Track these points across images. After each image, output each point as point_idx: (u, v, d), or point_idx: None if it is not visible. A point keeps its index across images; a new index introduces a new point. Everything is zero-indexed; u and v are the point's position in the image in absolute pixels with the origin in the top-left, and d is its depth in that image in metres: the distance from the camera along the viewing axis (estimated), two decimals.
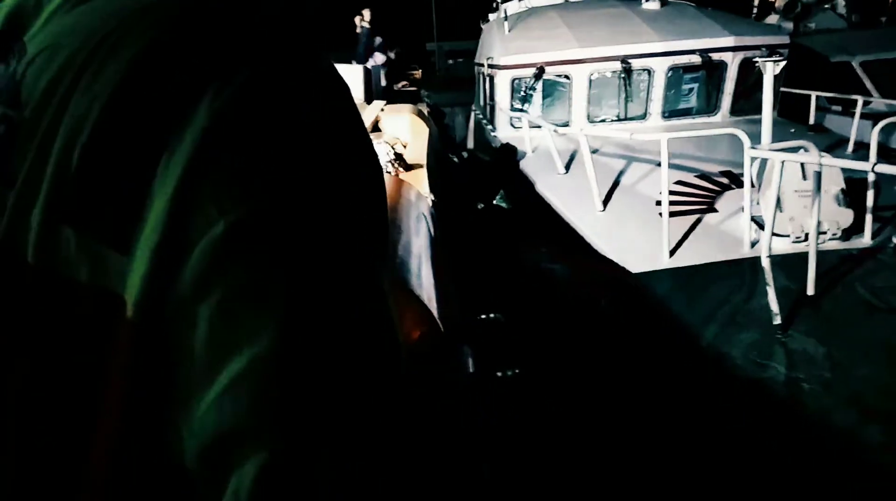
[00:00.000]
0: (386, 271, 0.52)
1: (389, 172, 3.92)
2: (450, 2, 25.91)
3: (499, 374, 4.16)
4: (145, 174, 0.45)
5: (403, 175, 3.99)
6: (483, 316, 4.91)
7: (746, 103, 7.64)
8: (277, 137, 0.46)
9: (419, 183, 3.93)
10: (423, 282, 2.62)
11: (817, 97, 8.68)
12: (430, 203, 3.70)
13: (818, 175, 3.99)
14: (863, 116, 7.29)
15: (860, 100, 7.46)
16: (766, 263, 3.86)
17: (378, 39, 10.15)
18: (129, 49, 0.49)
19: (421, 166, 4.34)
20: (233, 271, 0.43)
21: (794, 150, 4.32)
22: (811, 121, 8.51)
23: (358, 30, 9.39)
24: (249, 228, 0.43)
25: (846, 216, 4.54)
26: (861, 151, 5.99)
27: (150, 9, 0.52)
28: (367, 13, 9.37)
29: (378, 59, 9.91)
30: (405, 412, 0.45)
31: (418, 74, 10.69)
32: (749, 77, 7.65)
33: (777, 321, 3.84)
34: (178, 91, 0.46)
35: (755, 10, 12.87)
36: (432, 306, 2.39)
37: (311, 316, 0.43)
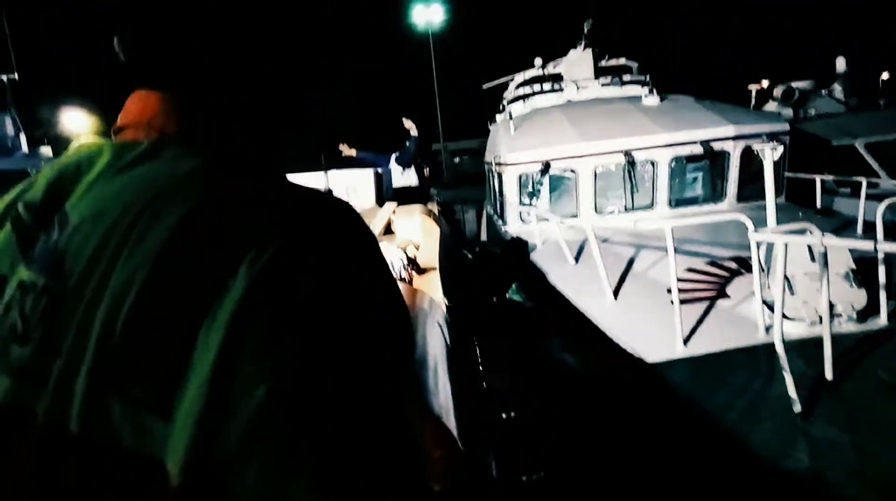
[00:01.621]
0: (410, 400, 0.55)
1: (403, 279, 3.91)
2: (451, 105, 27.61)
3: (524, 478, 4.04)
4: (187, 342, 0.46)
5: (417, 281, 3.97)
6: (504, 415, 4.81)
7: (751, 190, 7.73)
8: (312, 302, 0.48)
9: (433, 288, 3.90)
10: (440, 396, 2.58)
11: (826, 181, 8.77)
12: (445, 309, 3.67)
13: (825, 256, 3.97)
14: (871, 197, 7.31)
15: (864, 181, 7.54)
16: (780, 348, 3.80)
17: (423, 145, 11.40)
18: (169, 219, 0.51)
19: (434, 269, 4.33)
20: (274, 434, 0.44)
21: (800, 232, 4.31)
22: (818, 204, 8.57)
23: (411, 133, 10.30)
24: (289, 393, 0.45)
25: (859, 297, 4.47)
26: (871, 232, 6.00)
27: (186, 179, 0.55)
28: (412, 124, 10.05)
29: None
30: None
31: (427, 172, 11.26)
32: (752, 164, 7.73)
33: (797, 408, 3.75)
34: (216, 260, 0.49)
35: (753, 100, 13.20)
36: (450, 421, 2.36)
37: (346, 470, 0.45)
